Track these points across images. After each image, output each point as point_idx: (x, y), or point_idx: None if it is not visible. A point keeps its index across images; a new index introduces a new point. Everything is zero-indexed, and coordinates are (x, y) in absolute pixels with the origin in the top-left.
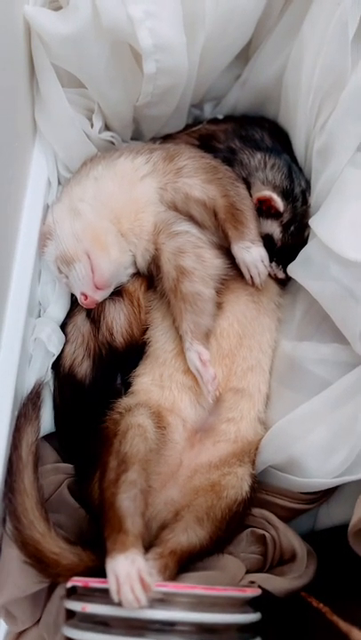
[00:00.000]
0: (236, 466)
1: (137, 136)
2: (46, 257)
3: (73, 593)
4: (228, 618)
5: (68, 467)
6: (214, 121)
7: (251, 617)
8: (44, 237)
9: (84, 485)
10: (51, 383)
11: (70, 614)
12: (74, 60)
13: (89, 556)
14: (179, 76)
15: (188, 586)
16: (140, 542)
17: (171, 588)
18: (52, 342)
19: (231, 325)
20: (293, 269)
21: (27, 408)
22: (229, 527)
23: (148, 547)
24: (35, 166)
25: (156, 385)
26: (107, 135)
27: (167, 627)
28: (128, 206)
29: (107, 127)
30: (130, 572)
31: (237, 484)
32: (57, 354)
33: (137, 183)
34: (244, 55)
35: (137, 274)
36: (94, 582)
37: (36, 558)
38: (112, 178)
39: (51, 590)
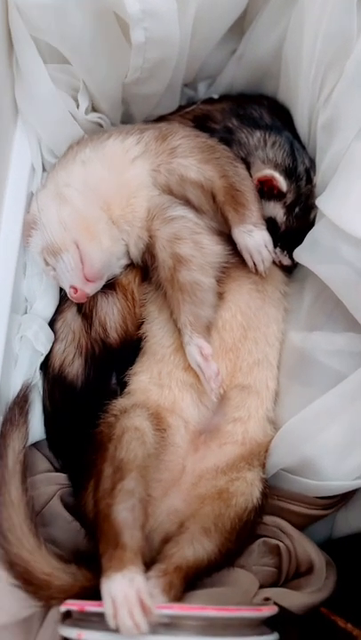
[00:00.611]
0: (245, 470)
1: (127, 119)
2: (31, 248)
3: (68, 617)
4: None
5: (61, 476)
6: (209, 101)
7: (268, 639)
8: (29, 227)
9: (79, 496)
10: (40, 385)
11: None
12: (55, 31)
13: (85, 575)
14: (170, 47)
15: (197, 607)
16: (139, 559)
17: (176, 610)
18: (40, 340)
19: (234, 317)
20: (300, 254)
21: (13, 413)
22: (240, 538)
23: (150, 563)
24: (16, 151)
25: (154, 383)
26: (94, 117)
27: None
28: (119, 191)
29: (94, 109)
30: (127, 593)
31: (247, 490)
32: (45, 353)
33: (128, 166)
34: (240, 28)
35: (130, 265)
36: (90, 606)
37: (26, 580)
38: (101, 161)
39: (44, 614)
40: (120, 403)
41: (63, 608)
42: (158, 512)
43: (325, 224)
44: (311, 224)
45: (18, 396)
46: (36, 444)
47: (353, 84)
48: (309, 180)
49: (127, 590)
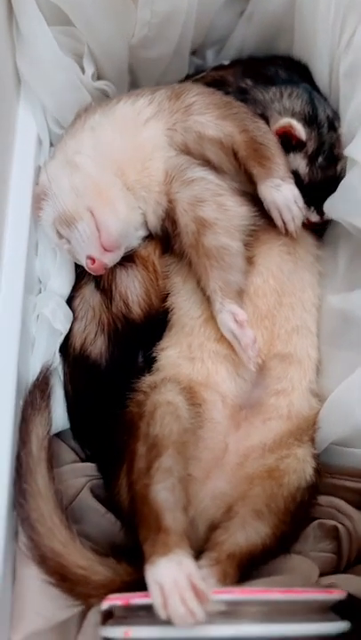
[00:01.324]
0: (294, 447)
1: (134, 89)
2: (43, 222)
3: (110, 617)
4: (313, 628)
5: (90, 466)
6: (220, 67)
7: (339, 625)
8: (39, 199)
9: (111, 485)
10: (60, 371)
11: None
12: None
13: (125, 569)
14: None
15: (259, 590)
16: (185, 542)
17: (237, 594)
18: (58, 318)
19: (266, 282)
20: (332, 207)
21: (34, 396)
22: (295, 520)
23: (196, 554)
24: (21, 124)
25: (184, 357)
26: (100, 84)
27: None
28: (133, 155)
29: (100, 77)
30: (177, 578)
31: (299, 467)
32: (64, 332)
33: (141, 128)
34: None
35: (149, 237)
36: (137, 598)
37: (60, 576)
38: (111, 125)
39: (82, 617)
40: (148, 379)
41: (105, 605)
42: (202, 496)
43: (358, 172)
44: (339, 177)
45: (38, 378)
46: (59, 435)
47: None
48: (332, 127)
49: (176, 574)
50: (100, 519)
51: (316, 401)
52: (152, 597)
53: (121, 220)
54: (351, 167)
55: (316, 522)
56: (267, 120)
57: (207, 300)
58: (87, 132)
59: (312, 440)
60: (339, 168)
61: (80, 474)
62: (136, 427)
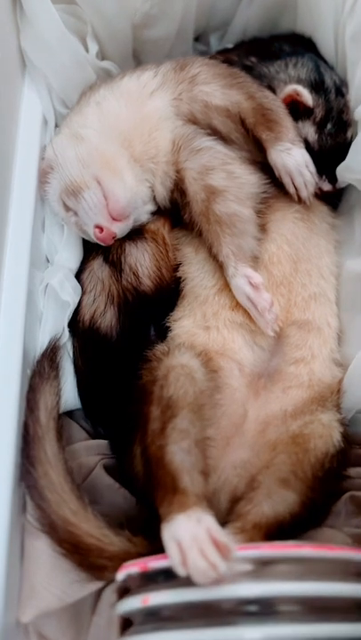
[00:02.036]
0: (318, 412)
1: None
2: (49, 196)
3: (127, 593)
4: (351, 589)
5: (103, 443)
6: (224, 51)
7: None
8: (45, 173)
9: (125, 459)
10: (69, 346)
11: (127, 625)
12: None
13: (141, 542)
14: None
15: (291, 545)
16: (205, 504)
17: (265, 549)
18: (66, 290)
19: (280, 248)
20: (346, 170)
21: (42, 366)
22: (324, 488)
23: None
24: (26, 104)
25: (199, 327)
26: (105, 64)
27: (264, 609)
28: (139, 126)
29: (104, 58)
30: (196, 532)
31: (325, 431)
32: (73, 305)
33: (146, 100)
34: None
35: (157, 213)
36: (156, 561)
37: (71, 545)
38: (117, 98)
39: (96, 599)
40: (161, 347)
41: (121, 575)
42: (222, 466)
43: None
44: (349, 144)
45: (46, 349)
46: (70, 415)
47: None
48: (340, 94)
49: (195, 529)
50: (115, 495)
51: (340, 370)
52: (169, 555)
53: (128, 189)
54: None
55: (347, 494)
56: (274, 92)
57: (220, 269)
58: (92, 106)
59: (337, 406)
60: (349, 134)
61: (93, 452)
62: (149, 392)
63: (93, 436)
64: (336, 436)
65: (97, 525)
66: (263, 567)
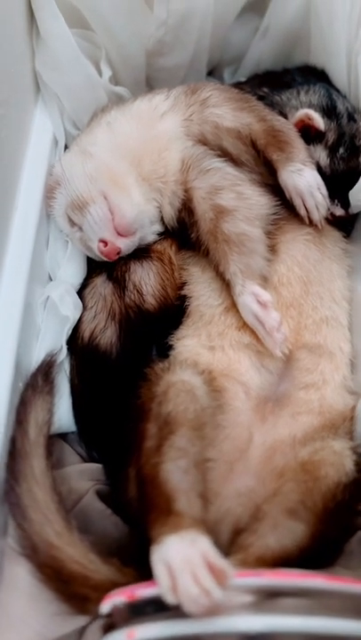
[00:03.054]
0: (329, 439)
1: None
2: (55, 211)
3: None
4: None
5: (96, 468)
6: (237, 84)
7: None
8: (52, 189)
9: (119, 486)
10: (67, 365)
11: None
12: None
13: (132, 572)
14: None
15: (299, 574)
16: (201, 527)
17: (268, 578)
18: (66, 304)
19: (291, 270)
20: (358, 191)
21: (35, 379)
22: (336, 523)
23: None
24: (38, 122)
25: (203, 347)
26: (118, 89)
27: None
28: (149, 145)
29: (117, 83)
30: (189, 555)
31: (337, 460)
32: (73, 321)
33: (157, 121)
34: (262, 5)
35: (164, 234)
36: (145, 589)
37: (53, 571)
38: (128, 119)
39: (79, 636)
40: (162, 363)
41: (106, 606)
42: (224, 494)
43: None
44: None
45: (42, 363)
46: (64, 438)
47: None
48: (352, 119)
49: (188, 551)
50: (106, 522)
51: (353, 398)
52: (158, 580)
53: (135, 205)
54: None
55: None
56: (286, 118)
57: (227, 287)
58: (103, 126)
59: (350, 434)
60: None
61: (86, 476)
62: (147, 410)
63: (87, 460)
64: (349, 464)
65: (83, 550)
66: (266, 599)
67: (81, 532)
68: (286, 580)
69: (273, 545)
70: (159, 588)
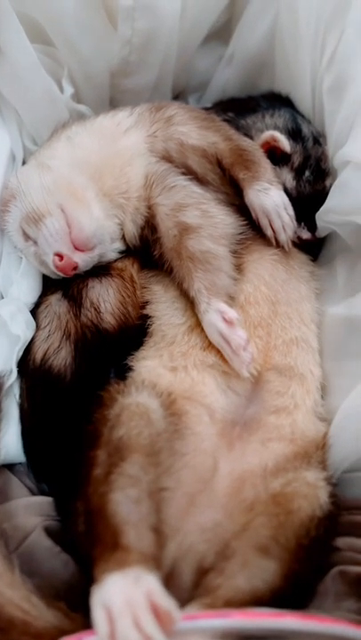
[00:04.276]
0: (302, 469)
1: None
2: (8, 225)
3: None
4: None
5: (45, 501)
6: (203, 109)
7: None
8: (6, 202)
9: (69, 522)
10: (16, 389)
11: None
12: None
13: (80, 619)
14: (159, 16)
15: (269, 613)
16: (152, 564)
17: (236, 617)
18: (17, 323)
19: (258, 289)
20: (328, 213)
21: None
22: (309, 561)
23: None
24: None
25: (164, 367)
26: (80, 107)
27: None
28: (111, 160)
29: (79, 101)
30: (131, 595)
31: (310, 492)
32: (24, 341)
33: (120, 137)
34: (226, 33)
35: (126, 252)
36: (88, 638)
37: None
38: (89, 134)
39: None
40: (117, 385)
41: None
42: (186, 529)
43: (352, 169)
44: (327, 193)
45: None
46: (11, 469)
47: (359, 34)
48: (317, 142)
49: (130, 591)
50: (54, 560)
51: (325, 425)
52: (96, 627)
53: (94, 220)
54: (344, 167)
55: (335, 570)
56: (251, 139)
57: (192, 306)
58: (63, 141)
59: (323, 463)
60: (328, 183)
61: (34, 511)
62: (98, 435)
63: (37, 494)
64: (323, 496)
65: (25, 593)
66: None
67: (27, 572)
68: (257, 620)
69: (243, 586)
70: (97, 635)
